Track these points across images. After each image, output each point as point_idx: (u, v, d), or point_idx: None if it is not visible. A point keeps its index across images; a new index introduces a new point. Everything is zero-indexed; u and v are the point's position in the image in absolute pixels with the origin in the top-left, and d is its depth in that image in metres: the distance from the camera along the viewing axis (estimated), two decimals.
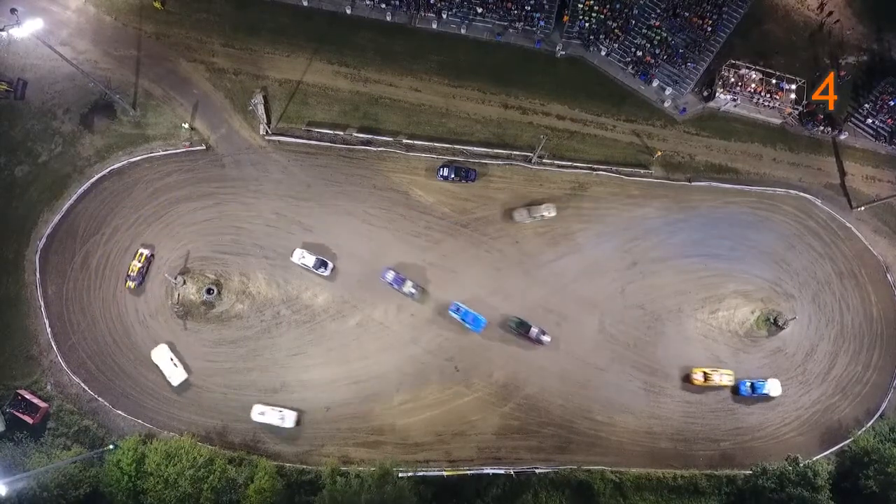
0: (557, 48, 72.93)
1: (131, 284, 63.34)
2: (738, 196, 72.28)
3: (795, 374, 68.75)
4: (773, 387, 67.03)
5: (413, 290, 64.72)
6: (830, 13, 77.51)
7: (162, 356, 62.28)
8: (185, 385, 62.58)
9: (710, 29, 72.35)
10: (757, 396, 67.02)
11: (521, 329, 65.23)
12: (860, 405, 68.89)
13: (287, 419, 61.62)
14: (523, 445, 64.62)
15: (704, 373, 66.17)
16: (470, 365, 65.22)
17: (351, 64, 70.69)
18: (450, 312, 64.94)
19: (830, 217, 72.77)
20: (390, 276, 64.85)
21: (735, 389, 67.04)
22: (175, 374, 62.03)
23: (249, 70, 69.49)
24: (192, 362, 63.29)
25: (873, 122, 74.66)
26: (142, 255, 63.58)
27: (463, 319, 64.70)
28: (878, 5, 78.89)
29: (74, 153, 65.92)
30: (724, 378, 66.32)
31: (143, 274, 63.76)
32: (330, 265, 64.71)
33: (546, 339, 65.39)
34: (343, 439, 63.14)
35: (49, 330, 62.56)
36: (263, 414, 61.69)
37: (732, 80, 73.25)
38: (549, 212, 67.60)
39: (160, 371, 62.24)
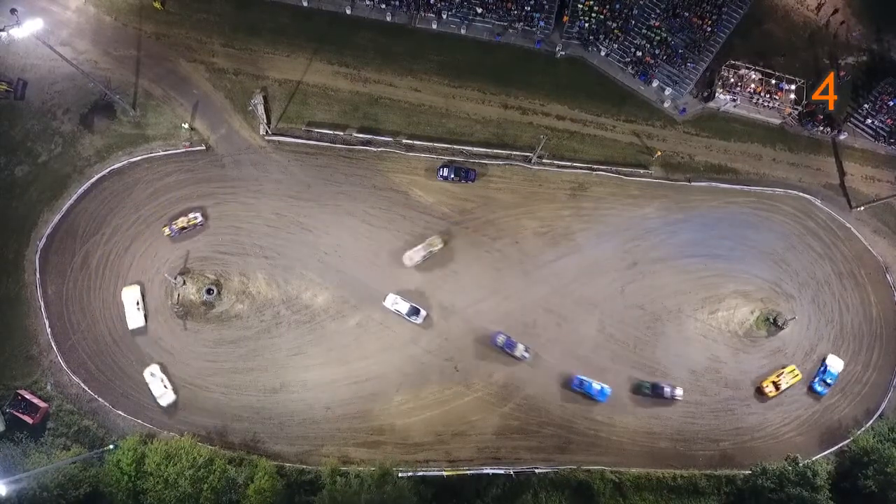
0: (557, 48, 72.98)
1: (167, 232, 63.52)
2: (738, 196, 72.34)
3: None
4: (835, 364, 67.65)
5: (526, 354, 64.56)
6: (836, 11, 77.50)
7: (130, 298, 62.31)
8: (140, 331, 62.38)
9: (709, 29, 72.41)
10: (833, 382, 67.45)
11: (655, 391, 65.15)
12: (859, 405, 68.91)
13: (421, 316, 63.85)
14: (523, 445, 64.66)
15: (774, 383, 66.46)
16: (470, 365, 65.25)
17: (351, 64, 70.73)
18: (572, 388, 64.56)
19: (830, 217, 72.84)
20: (501, 339, 64.46)
21: (810, 389, 67.49)
22: (134, 319, 62.10)
23: (249, 70, 69.53)
24: (191, 362, 63.30)
25: (873, 123, 74.73)
26: (194, 218, 63.97)
27: (588, 392, 64.25)
28: (877, 5, 78.95)
29: (74, 153, 65.94)
30: (791, 379, 66.69)
31: (182, 231, 63.88)
32: (423, 313, 64.37)
33: (679, 393, 65.33)
34: (343, 439, 63.18)
35: (49, 330, 62.56)
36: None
37: (732, 80, 73.32)
38: (434, 246, 65.60)
39: (123, 312, 62.22)
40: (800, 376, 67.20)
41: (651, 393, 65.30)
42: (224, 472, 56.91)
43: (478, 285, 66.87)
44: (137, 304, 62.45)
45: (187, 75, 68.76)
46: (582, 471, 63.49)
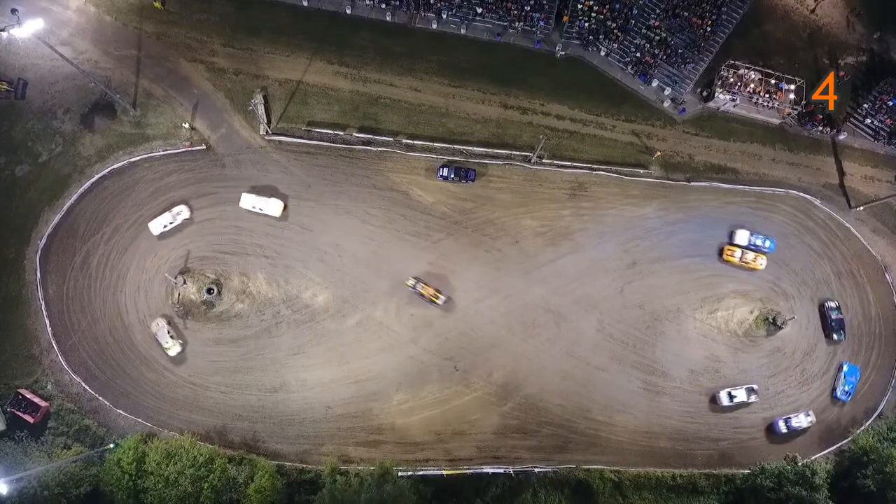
0: (557, 48, 73.03)
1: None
2: (738, 196, 72.41)
3: (794, 374, 68.87)
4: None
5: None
6: (852, 10, 77.88)
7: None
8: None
9: (709, 29, 72.42)
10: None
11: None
12: (859, 405, 69.03)
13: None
14: (523, 445, 64.80)
15: (742, 251, 69.08)
16: (469, 364, 65.39)
17: (351, 64, 70.78)
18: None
19: (829, 217, 72.90)
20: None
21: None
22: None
23: (249, 70, 69.59)
24: (192, 361, 63.44)
25: (872, 123, 74.74)
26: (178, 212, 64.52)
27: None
28: (877, 5, 78.97)
29: (75, 153, 66.04)
30: (755, 261, 69.03)
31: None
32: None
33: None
34: (343, 438, 63.33)
35: (50, 329, 62.71)
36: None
37: (732, 80, 73.34)
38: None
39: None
40: (762, 267, 68.89)
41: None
42: (224, 471, 57.12)
43: (478, 285, 66.98)
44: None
45: (187, 75, 68.84)
46: (581, 470, 63.65)
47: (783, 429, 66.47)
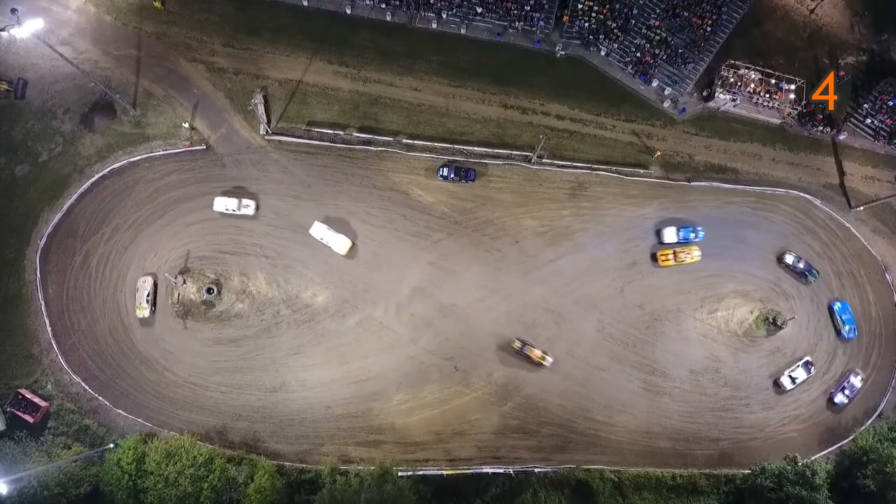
0: (557, 48, 73.02)
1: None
2: (738, 196, 72.41)
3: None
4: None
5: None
6: (857, 12, 78.01)
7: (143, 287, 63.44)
8: (147, 322, 63.46)
9: (709, 29, 72.42)
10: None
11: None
12: (859, 404, 69.03)
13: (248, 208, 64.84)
14: (523, 445, 64.79)
15: (674, 254, 68.27)
16: (469, 364, 65.37)
17: (351, 64, 70.77)
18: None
19: (829, 217, 72.92)
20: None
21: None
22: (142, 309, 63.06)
23: (249, 70, 69.57)
24: (192, 361, 63.46)
25: (872, 122, 74.76)
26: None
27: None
28: (877, 5, 78.97)
29: (75, 153, 66.01)
30: (690, 255, 68.22)
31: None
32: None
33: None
34: (343, 438, 63.31)
35: (49, 329, 62.68)
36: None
37: (732, 80, 73.36)
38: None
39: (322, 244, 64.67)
40: (699, 258, 68.35)
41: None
42: (224, 470, 57.07)
43: (478, 285, 66.96)
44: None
45: (187, 75, 68.82)
46: (581, 470, 63.63)
47: (844, 399, 67.55)
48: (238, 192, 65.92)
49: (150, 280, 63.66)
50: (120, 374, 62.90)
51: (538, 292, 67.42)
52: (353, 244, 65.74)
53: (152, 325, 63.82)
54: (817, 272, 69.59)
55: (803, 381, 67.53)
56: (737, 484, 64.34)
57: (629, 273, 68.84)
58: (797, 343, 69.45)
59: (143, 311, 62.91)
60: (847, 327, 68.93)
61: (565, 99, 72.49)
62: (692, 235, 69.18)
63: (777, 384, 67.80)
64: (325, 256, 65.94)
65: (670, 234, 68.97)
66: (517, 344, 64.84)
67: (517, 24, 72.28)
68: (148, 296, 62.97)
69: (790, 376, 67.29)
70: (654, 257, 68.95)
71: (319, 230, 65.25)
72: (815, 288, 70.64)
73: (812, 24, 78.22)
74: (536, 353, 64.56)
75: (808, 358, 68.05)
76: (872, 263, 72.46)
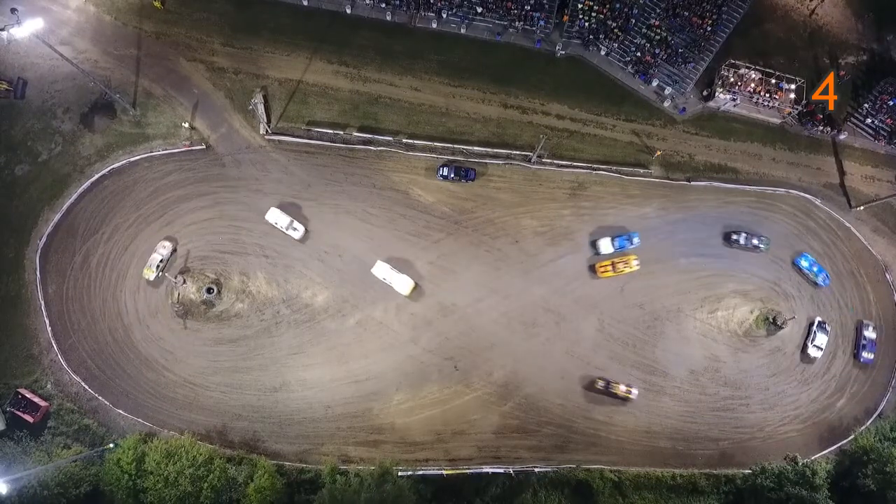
0: (557, 48, 72.99)
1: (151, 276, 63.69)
2: (738, 196, 72.37)
3: (794, 374, 68.86)
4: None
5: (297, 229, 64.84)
6: (869, 15, 77.99)
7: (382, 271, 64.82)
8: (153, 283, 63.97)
9: (709, 29, 72.38)
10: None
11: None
12: (859, 404, 69.01)
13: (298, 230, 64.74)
14: (523, 444, 64.75)
15: (613, 264, 67.30)
16: (469, 364, 65.34)
17: (351, 63, 70.74)
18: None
19: (829, 217, 72.89)
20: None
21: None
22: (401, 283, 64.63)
23: (249, 69, 69.55)
24: (192, 361, 63.42)
25: (872, 122, 74.72)
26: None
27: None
28: (877, 5, 78.96)
29: (74, 152, 65.99)
30: (628, 267, 67.31)
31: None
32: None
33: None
34: (343, 438, 63.28)
35: (49, 329, 62.64)
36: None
37: (732, 79, 73.35)
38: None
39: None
40: (637, 267, 67.42)
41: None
42: (224, 470, 57.07)
43: (478, 284, 66.92)
44: (161, 261, 63.45)
45: (187, 74, 68.79)
46: (581, 470, 63.60)
47: (870, 355, 68.53)
48: (293, 211, 65.60)
49: (168, 247, 63.97)
50: (120, 373, 62.88)
51: (538, 292, 67.39)
52: (417, 285, 65.28)
53: (157, 287, 64.11)
54: (766, 238, 69.62)
55: (828, 344, 68.12)
56: (737, 484, 64.25)
57: (629, 272, 68.67)
58: (797, 343, 69.39)
59: (150, 274, 63.18)
60: (819, 276, 69.40)
61: (565, 98, 72.47)
62: (627, 242, 67.83)
63: (806, 357, 68.23)
64: (322, 255, 65.91)
65: (606, 245, 67.90)
66: (601, 384, 64.84)
67: (517, 23, 72.26)
68: (161, 262, 63.26)
69: (815, 346, 67.87)
70: (592, 269, 68.01)
71: (382, 270, 64.87)
72: (774, 252, 70.50)
73: (812, 24, 78.22)
74: (621, 389, 64.60)
75: (818, 319, 68.45)
76: (872, 263, 72.43)
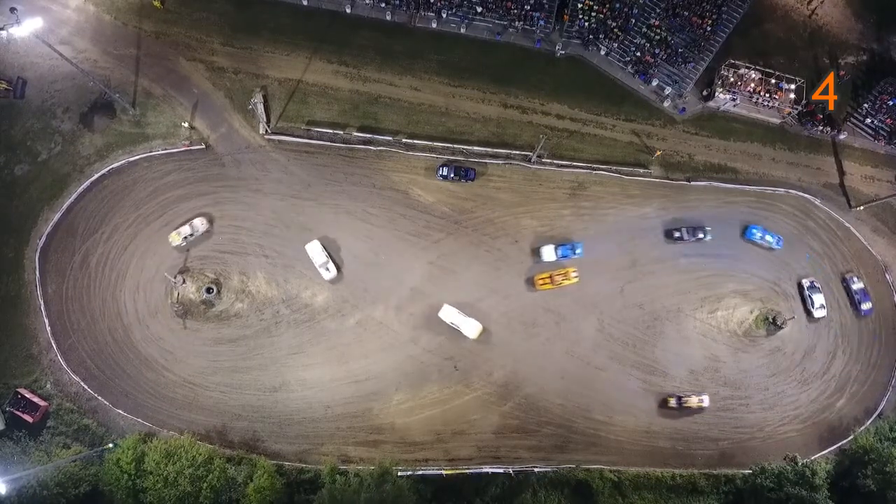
0: (557, 48, 72.96)
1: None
2: (737, 196, 72.37)
3: (794, 374, 68.88)
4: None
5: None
6: (872, 18, 77.81)
7: (315, 252, 64.40)
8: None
9: (709, 28, 72.35)
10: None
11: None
12: (859, 404, 69.06)
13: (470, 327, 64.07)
14: (522, 444, 64.74)
15: (551, 276, 66.29)
16: (469, 364, 65.32)
17: (351, 63, 70.70)
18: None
19: (829, 217, 72.90)
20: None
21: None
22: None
23: (249, 69, 69.49)
24: (191, 361, 63.38)
25: (872, 122, 74.72)
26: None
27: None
28: (877, 5, 78.97)
29: (74, 152, 65.92)
30: (566, 280, 66.38)
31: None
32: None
33: None
34: (342, 438, 63.25)
35: (49, 329, 62.57)
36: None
37: (732, 79, 73.34)
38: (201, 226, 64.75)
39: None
40: (577, 280, 66.50)
41: None
42: (223, 470, 56.99)
43: (478, 284, 66.88)
44: (191, 234, 63.80)
45: (187, 74, 68.74)
46: (581, 470, 63.60)
47: (868, 305, 69.89)
48: (331, 246, 65.41)
49: (204, 224, 64.44)
50: (119, 373, 62.82)
51: (538, 292, 67.33)
52: (485, 329, 64.85)
53: (184, 250, 64.39)
54: (707, 228, 69.25)
55: (827, 301, 69.22)
56: (737, 484, 64.26)
57: (629, 273, 68.77)
58: (797, 343, 69.43)
59: (175, 240, 63.47)
60: (772, 240, 69.69)
61: (565, 98, 72.45)
62: (571, 253, 66.58)
63: (811, 318, 69.08)
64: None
65: (548, 253, 66.52)
66: (673, 402, 65.23)
67: (517, 23, 72.23)
68: (190, 235, 63.62)
69: (818, 307, 68.62)
70: (531, 282, 66.70)
71: (449, 313, 64.39)
72: (718, 237, 70.16)
73: (812, 24, 78.23)
74: (694, 401, 65.09)
75: (805, 283, 69.61)
76: (872, 263, 72.44)
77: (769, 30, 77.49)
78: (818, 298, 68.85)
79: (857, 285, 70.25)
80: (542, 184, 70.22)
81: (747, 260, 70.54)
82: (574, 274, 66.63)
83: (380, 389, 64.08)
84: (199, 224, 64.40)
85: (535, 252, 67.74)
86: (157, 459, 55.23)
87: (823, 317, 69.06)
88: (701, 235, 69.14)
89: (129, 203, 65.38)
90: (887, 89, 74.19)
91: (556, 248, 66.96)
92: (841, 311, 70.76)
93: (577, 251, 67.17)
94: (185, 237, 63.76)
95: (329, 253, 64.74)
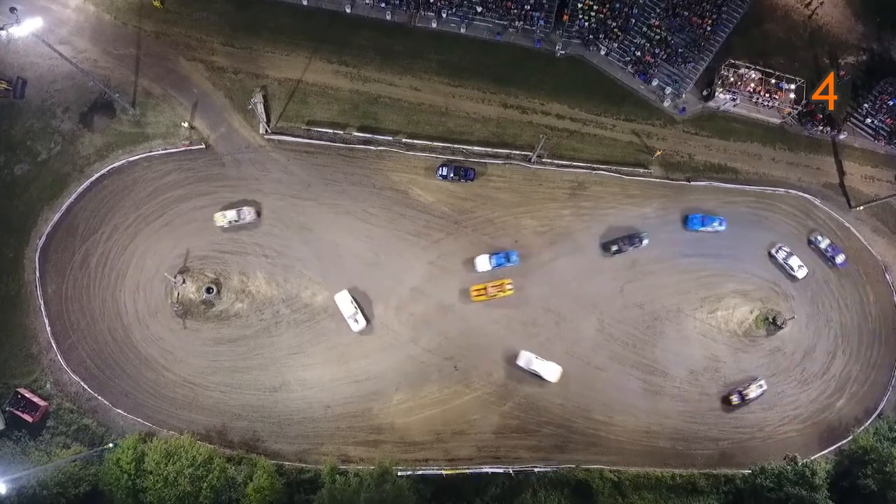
0: (557, 47, 72.96)
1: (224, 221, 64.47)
2: (737, 196, 72.37)
3: (794, 374, 68.87)
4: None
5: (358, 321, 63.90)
6: (877, 20, 77.86)
7: (344, 303, 63.90)
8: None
9: (709, 28, 72.37)
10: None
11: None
12: (859, 404, 69.06)
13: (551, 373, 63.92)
14: (522, 444, 64.73)
15: (486, 289, 64.98)
16: (469, 364, 65.30)
17: (351, 63, 70.70)
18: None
19: (829, 217, 72.91)
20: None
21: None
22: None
23: (249, 69, 69.48)
24: (191, 360, 63.37)
25: (872, 122, 74.74)
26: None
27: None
28: (877, 5, 78.98)
29: (74, 152, 65.91)
30: (501, 289, 64.98)
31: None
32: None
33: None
34: (342, 438, 63.23)
35: (49, 329, 62.55)
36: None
37: (732, 79, 73.36)
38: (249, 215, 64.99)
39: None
40: (511, 292, 65.17)
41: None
42: (223, 470, 56.97)
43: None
44: (237, 219, 64.33)
45: (187, 74, 68.73)
46: (581, 470, 63.58)
47: (842, 257, 70.01)
48: (362, 298, 64.84)
49: (252, 213, 64.83)
50: (119, 373, 62.81)
51: (538, 292, 67.34)
52: (564, 371, 64.61)
53: (230, 232, 64.87)
54: (643, 234, 68.26)
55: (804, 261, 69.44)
56: (737, 484, 64.20)
57: (629, 273, 68.77)
58: (797, 343, 69.43)
59: (220, 220, 64.09)
60: (717, 224, 69.45)
61: (565, 98, 72.45)
62: (505, 262, 65.22)
63: (793, 279, 69.52)
64: (321, 254, 65.85)
65: (483, 263, 65.14)
66: (735, 398, 66.02)
67: (517, 23, 72.24)
68: (235, 220, 64.21)
69: (799, 268, 68.96)
70: (466, 293, 65.48)
71: (526, 358, 64.04)
72: (719, 237, 70.11)
73: (812, 24, 78.24)
74: (754, 390, 66.25)
75: (776, 249, 69.82)
76: (872, 263, 72.43)
77: (769, 30, 77.50)
78: (794, 261, 69.10)
79: (823, 243, 70.59)
80: (542, 184, 70.21)
81: (747, 260, 70.38)
82: (509, 286, 65.26)
83: (380, 389, 64.08)
84: (247, 213, 64.67)
85: (470, 262, 66.21)
86: (156, 459, 55.20)
87: (805, 275, 69.09)
88: (638, 242, 67.91)
89: (129, 203, 65.37)
90: (887, 89, 74.22)
91: (490, 258, 65.45)
92: (821, 268, 71.08)
93: (513, 259, 65.97)
94: (231, 221, 64.20)
95: (358, 304, 64.07)
